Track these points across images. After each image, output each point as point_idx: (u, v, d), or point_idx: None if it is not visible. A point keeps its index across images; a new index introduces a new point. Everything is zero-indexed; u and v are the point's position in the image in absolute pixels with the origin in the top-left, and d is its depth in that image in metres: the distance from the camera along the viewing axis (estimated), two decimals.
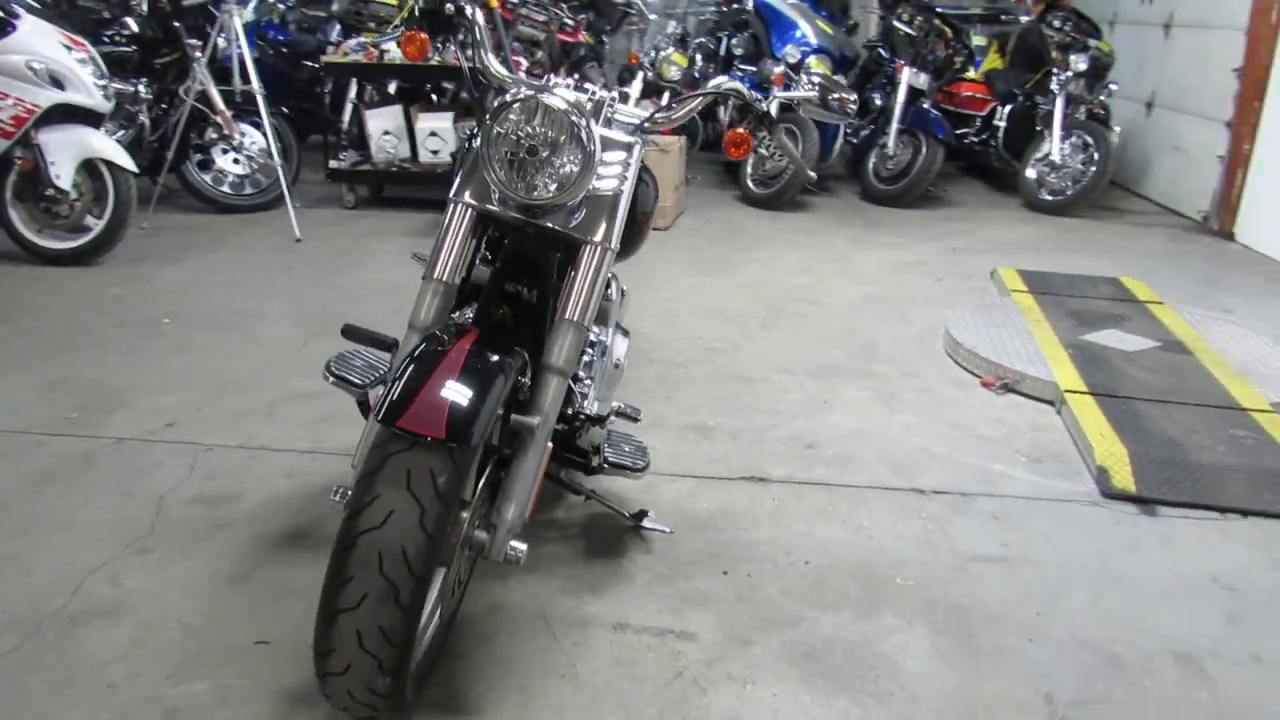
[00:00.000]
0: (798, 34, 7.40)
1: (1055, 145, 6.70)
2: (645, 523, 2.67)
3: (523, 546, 1.95)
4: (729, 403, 3.56)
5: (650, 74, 7.14)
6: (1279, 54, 5.92)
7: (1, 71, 4.45)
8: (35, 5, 4.92)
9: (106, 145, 4.71)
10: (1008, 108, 7.29)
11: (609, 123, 2.15)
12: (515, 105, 1.91)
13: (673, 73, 6.89)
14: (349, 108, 6.63)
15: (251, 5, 7.62)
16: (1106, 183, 6.72)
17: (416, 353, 1.81)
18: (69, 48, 4.64)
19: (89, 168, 4.69)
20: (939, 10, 7.26)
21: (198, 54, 5.50)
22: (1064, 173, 6.74)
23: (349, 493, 1.84)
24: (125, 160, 4.70)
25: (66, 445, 3.03)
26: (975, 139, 7.56)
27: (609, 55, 8.86)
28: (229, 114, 5.69)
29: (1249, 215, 6.18)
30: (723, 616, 2.34)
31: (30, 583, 2.35)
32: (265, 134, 5.67)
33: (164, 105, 5.81)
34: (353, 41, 6.20)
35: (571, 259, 2.09)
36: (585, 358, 2.56)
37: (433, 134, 6.09)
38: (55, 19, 4.85)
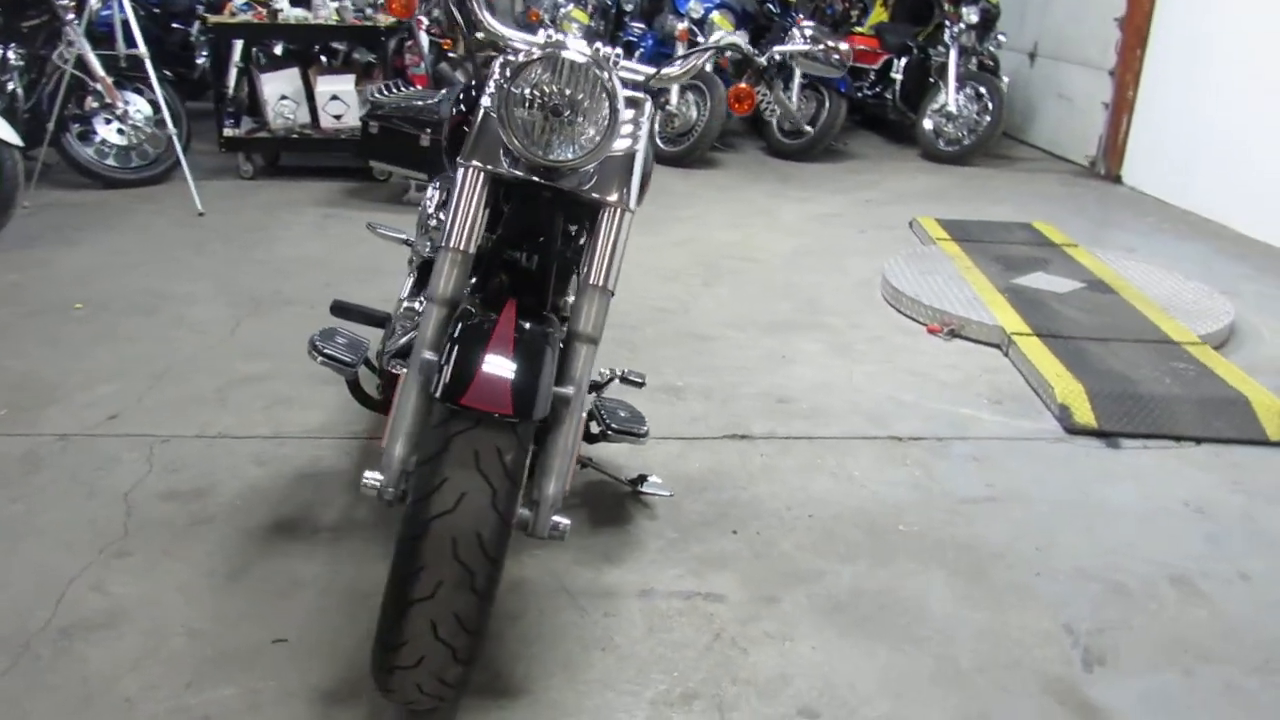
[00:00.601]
0: None
1: (951, 96, 6.90)
2: (645, 487, 2.64)
3: (566, 521, 1.89)
4: (692, 361, 3.55)
5: (551, 30, 6.98)
6: (1159, 3, 6.23)
7: None
8: None
9: None
10: (903, 60, 7.44)
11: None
12: (536, 62, 1.82)
13: (574, 29, 6.75)
14: (233, 72, 6.24)
15: None
16: (1000, 131, 6.98)
17: (461, 328, 1.72)
18: None
19: None
20: None
21: (70, 15, 5.07)
22: (960, 123, 6.95)
23: (396, 478, 1.76)
24: (8, 133, 4.29)
25: (2, 445, 2.79)
26: (869, 92, 7.70)
27: (509, 11, 8.61)
28: (110, 80, 5.28)
29: (1134, 159, 6.52)
30: (744, 576, 2.34)
31: (6, 598, 2.15)
32: (156, 101, 5.29)
33: (34, 73, 5.34)
34: (239, 1, 5.82)
35: (577, 222, 2.02)
36: None
37: (334, 98, 5.79)
38: None
